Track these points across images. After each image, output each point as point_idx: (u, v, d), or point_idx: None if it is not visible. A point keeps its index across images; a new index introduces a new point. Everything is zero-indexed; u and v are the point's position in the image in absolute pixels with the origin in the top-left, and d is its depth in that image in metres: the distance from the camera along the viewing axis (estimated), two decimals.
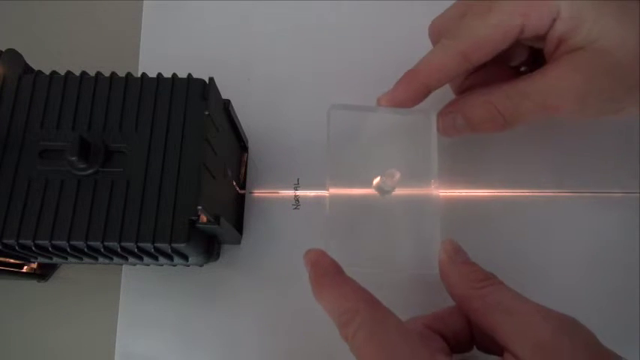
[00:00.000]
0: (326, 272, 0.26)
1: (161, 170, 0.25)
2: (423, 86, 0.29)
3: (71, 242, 0.24)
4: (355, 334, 0.23)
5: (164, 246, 0.25)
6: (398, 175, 0.30)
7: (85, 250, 0.25)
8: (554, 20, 0.26)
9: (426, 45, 0.36)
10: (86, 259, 0.28)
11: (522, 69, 0.32)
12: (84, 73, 0.27)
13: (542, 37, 0.27)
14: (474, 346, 0.28)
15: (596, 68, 0.26)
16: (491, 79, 0.30)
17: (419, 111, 0.32)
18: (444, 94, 0.33)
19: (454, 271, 0.27)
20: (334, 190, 0.31)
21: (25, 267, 0.32)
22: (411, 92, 0.29)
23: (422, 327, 0.27)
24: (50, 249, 0.25)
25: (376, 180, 0.31)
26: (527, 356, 0.22)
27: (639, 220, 0.33)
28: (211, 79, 0.27)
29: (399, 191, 0.32)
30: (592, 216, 0.33)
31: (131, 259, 0.27)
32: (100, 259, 0.28)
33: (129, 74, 0.27)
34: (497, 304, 0.24)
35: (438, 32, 0.30)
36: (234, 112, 0.30)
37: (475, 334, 0.27)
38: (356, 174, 0.32)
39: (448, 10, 0.30)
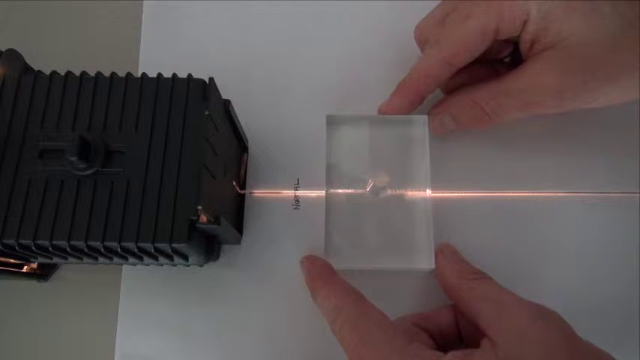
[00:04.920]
0: (320, 274, 0.29)
1: (161, 170, 0.25)
2: (415, 94, 0.32)
3: (71, 242, 0.24)
4: (341, 327, 0.26)
5: (164, 246, 0.25)
6: (386, 177, 0.32)
7: (85, 250, 0.25)
8: (525, 22, 0.28)
9: None
10: (86, 259, 0.28)
11: (506, 60, 0.34)
12: (84, 73, 0.27)
13: (517, 37, 0.29)
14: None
15: (569, 64, 0.28)
16: (476, 76, 0.32)
17: (412, 116, 0.33)
18: (435, 98, 0.34)
19: (448, 266, 0.30)
20: (332, 193, 0.32)
21: (25, 267, 0.32)
22: (405, 102, 0.32)
23: (410, 324, 0.29)
24: (50, 249, 0.25)
25: (370, 182, 0.32)
26: (502, 341, 0.24)
27: (639, 220, 0.33)
28: (211, 79, 0.27)
29: (393, 192, 0.32)
30: (592, 216, 0.33)
31: (131, 259, 0.27)
32: (100, 259, 0.28)
33: (129, 74, 0.27)
34: (483, 294, 0.26)
35: (422, 38, 0.32)
36: (234, 112, 0.30)
37: (462, 330, 0.29)
38: (353, 177, 0.33)
39: (429, 16, 0.32)
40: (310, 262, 0.30)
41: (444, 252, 0.30)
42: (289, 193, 0.34)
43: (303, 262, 0.31)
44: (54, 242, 0.24)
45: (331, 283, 0.28)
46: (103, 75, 0.27)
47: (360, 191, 0.33)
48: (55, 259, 0.28)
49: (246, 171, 0.34)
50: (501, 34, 0.29)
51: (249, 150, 0.35)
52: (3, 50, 0.27)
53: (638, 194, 0.33)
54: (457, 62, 0.30)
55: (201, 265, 0.31)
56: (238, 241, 0.33)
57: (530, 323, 0.24)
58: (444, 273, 0.30)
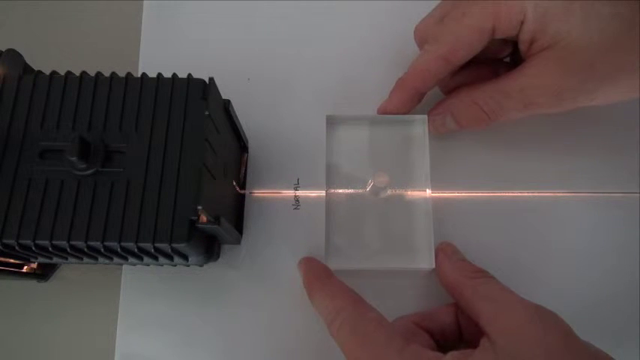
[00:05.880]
0: (317, 276, 0.29)
1: (161, 170, 0.25)
2: (414, 91, 0.32)
3: (71, 242, 0.24)
4: (339, 329, 0.26)
5: (164, 246, 0.25)
6: (386, 177, 0.31)
7: (85, 250, 0.25)
8: (522, 22, 0.28)
9: None
10: (86, 259, 0.28)
11: (506, 60, 0.34)
12: (84, 73, 0.27)
13: (515, 37, 0.29)
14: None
15: (567, 65, 0.28)
16: (476, 76, 0.32)
17: (411, 116, 0.33)
18: (435, 93, 0.34)
19: (449, 265, 0.30)
20: (333, 193, 0.32)
21: (25, 267, 0.32)
22: (404, 98, 0.32)
23: (410, 324, 0.29)
24: (50, 249, 0.25)
25: (370, 182, 0.32)
26: (500, 340, 0.24)
27: (639, 220, 0.33)
28: (211, 79, 0.27)
29: (393, 192, 0.33)
30: (592, 216, 0.33)
31: (131, 259, 0.27)
32: (100, 259, 0.28)
33: (129, 74, 0.27)
34: (484, 293, 0.27)
35: (421, 37, 0.32)
36: (234, 112, 0.30)
37: (463, 329, 0.29)
38: (353, 177, 0.33)
39: (428, 15, 0.32)
40: (307, 263, 0.30)
41: (445, 250, 0.30)
42: (289, 193, 0.34)
43: (300, 264, 0.31)
44: (54, 242, 0.24)
45: (329, 284, 0.29)
46: (103, 75, 0.27)
47: (360, 191, 0.33)
48: (55, 259, 0.28)
49: (246, 171, 0.34)
50: (498, 33, 0.29)
51: (249, 150, 0.35)
52: (3, 50, 0.27)
53: (638, 194, 0.33)
54: (454, 60, 0.30)
55: (201, 265, 0.31)
56: (238, 241, 0.33)
57: (530, 323, 0.24)
58: (445, 272, 0.30)
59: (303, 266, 0.30)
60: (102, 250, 0.25)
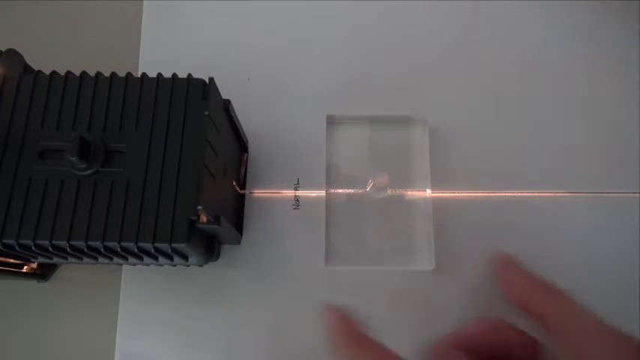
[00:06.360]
0: (348, 332, 0.25)
1: (161, 170, 0.25)
2: None
3: (71, 242, 0.24)
4: None
5: (164, 246, 0.25)
6: (386, 177, 0.31)
7: (85, 250, 0.25)
8: None
9: (429, 45, 0.36)
10: (86, 259, 0.28)
11: None
12: (84, 73, 0.27)
13: None
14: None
15: None
16: None
17: (412, 116, 0.33)
18: (435, 98, 0.34)
19: (514, 277, 0.28)
20: (333, 193, 0.32)
21: (25, 267, 0.32)
22: None
23: (447, 348, 0.26)
24: (50, 249, 0.25)
25: (370, 182, 0.32)
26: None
27: (639, 221, 0.33)
28: (211, 79, 0.27)
29: (393, 192, 0.32)
30: (592, 216, 0.33)
31: (131, 259, 0.27)
32: (100, 259, 0.28)
33: (129, 74, 0.27)
34: (562, 311, 0.25)
35: None
36: (234, 112, 0.30)
37: (493, 348, 0.27)
38: (353, 177, 0.33)
39: None
40: (336, 316, 0.25)
41: (508, 261, 0.28)
42: (289, 193, 0.34)
43: (329, 314, 0.25)
44: (54, 242, 0.24)
45: (358, 344, 0.24)
46: (103, 75, 0.27)
47: (360, 191, 0.33)
48: (55, 259, 0.28)
49: (246, 171, 0.34)
50: None
51: (249, 150, 0.35)
52: (3, 50, 0.27)
53: (638, 194, 0.33)
54: None
55: (201, 265, 0.31)
56: (238, 241, 0.33)
57: (615, 350, 0.23)
58: (511, 285, 0.28)
59: (332, 317, 0.25)
60: (102, 250, 0.25)
